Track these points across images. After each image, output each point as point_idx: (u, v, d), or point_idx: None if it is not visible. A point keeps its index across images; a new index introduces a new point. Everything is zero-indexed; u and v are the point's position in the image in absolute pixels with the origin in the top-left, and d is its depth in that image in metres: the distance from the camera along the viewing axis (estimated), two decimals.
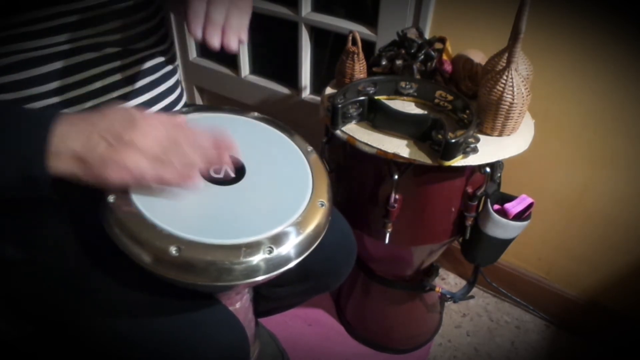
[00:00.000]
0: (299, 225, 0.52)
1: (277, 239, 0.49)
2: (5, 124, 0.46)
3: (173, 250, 0.45)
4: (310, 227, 0.52)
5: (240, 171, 0.57)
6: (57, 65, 0.58)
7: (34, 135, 0.45)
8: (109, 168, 0.45)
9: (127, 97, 0.65)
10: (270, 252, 0.48)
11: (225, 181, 0.55)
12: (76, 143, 0.45)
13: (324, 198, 0.56)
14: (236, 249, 0.47)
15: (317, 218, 0.53)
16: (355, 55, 0.85)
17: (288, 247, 0.49)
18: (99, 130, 0.46)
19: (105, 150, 0.45)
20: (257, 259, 0.47)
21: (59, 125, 0.45)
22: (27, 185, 0.45)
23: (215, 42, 0.52)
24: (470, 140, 0.72)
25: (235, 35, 0.53)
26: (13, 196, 0.48)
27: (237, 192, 0.54)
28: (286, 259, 0.49)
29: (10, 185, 0.46)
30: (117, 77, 0.64)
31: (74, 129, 0.46)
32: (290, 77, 1.35)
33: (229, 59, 1.40)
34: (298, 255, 0.50)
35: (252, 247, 0.48)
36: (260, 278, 0.48)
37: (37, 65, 0.57)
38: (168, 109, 0.72)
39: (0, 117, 0.47)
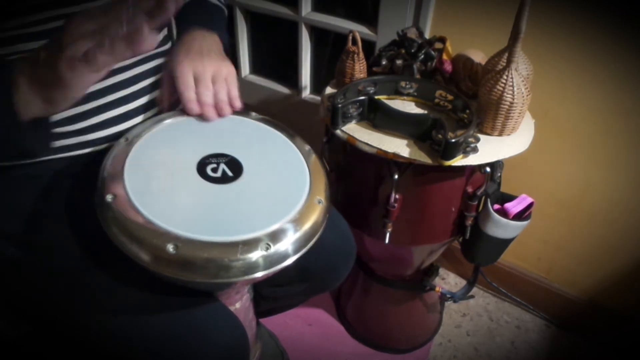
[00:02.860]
0: (297, 222, 0.52)
1: (275, 236, 0.49)
2: None
3: (170, 247, 0.46)
4: (308, 224, 0.52)
5: (237, 170, 0.57)
6: None
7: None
8: (57, 65, 0.45)
9: (127, 98, 0.65)
10: (268, 248, 0.48)
11: (223, 179, 0.55)
12: (25, 68, 0.48)
13: (321, 196, 0.56)
14: (233, 246, 0.47)
15: (315, 215, 0.54)
16: (355, 55, 0.85)
17: (286, 244, 0.50)
18: (38, 49, 0.48)
19: (46, 55, 0.46)
20: (254, 255, 0.47)
21: (17, 72, 0.48)
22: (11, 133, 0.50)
23: (211, 116, 0.65)
24: (470, 140, 0.72)
25: (226, 107, 0.66)
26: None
27: (234, 190, 0.54)
28: (284, 256, 0.49)
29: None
30: (117, 78, 0.64)
31: (23, 61, 0.48)
32: (290, 77, 1.36)
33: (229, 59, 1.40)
34: (296, 251, 0.50)
35: (250, 244, 0.48)
36: (258, 275, 0.48)
37: None
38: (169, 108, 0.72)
39: None
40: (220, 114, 0.65)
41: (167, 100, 0.68)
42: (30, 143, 0.54)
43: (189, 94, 0.63)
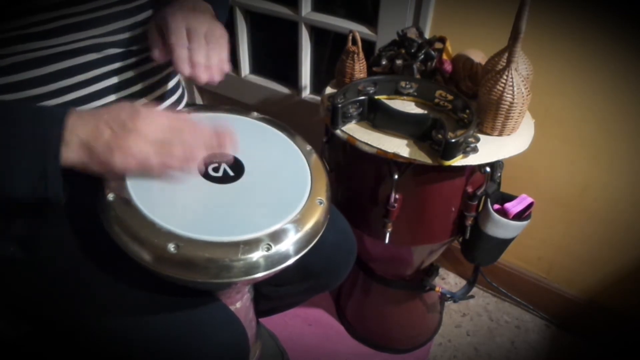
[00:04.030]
0: (298, 222, 0.52)
1: (276, 236, 0.49)
2: (19, 121, 0.48)
3: (171, 247, 0.46)
4: (309, 225, 0.52)
5: (239, 170, 0.57)
6: (59, 66, 0.58)
7: (48, 130, 0.47)
8: (115, 154, 0.47)
9: (128, 98, 0.65)
10: (269, 249, 0.48)
11: (224, 179, 0.55)
12: (83, 132, 0.47)
13: (322, 196, 0.56)
14: (234, 246, 0.47)
15: (316, 215, 0.54)
16: (355, 55, 0.85)
17: (287, 244, 0.50)
18: (105, 120, 0.48)
19: (110, 137, 0.47)
20: (255, 256, 0.47)
21: (69, 118, 0.47)
22: (39, 179, 0.47)
23: (202, 79, 0.59)
24: (470, 140, 0.72)
25: (217, 70, 0.60)
26: (24, 197, 0.48)
27: (235, 190, 0.54)
28: (285, 256, 0.49)
29: (23, 182, 0.47)
30: (118, 78, 0.64)
31: (82, 121, 0.48)
32: (290, 77, 1.36)
33: (229, 59, 1.40)
34: (297, 252, 0.50)
35: (251, 244, 0.48)
36: (259, 275, 0.48)
37: (39, 66, 0.57)
38: (170, 109, 0.72)
39: (14, 114, 0.48)
40: (210, 79, 0.60)
41: (162, 57, 0.61)
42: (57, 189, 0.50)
43: (181, 51, 0.58)
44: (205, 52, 0.59)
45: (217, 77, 0.60)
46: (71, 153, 0.47)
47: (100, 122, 0.48)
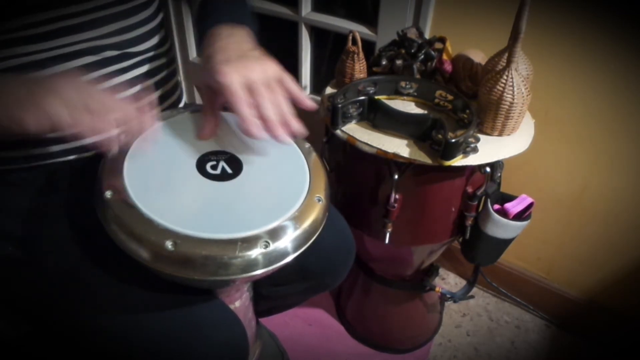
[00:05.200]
0: (296, 219, 0.52)
1: (274, 234, 0.49)
2: None
3: (169, 244, 0.46)
4: (307, 222, 0.52)
5: (237, 167, 0.57)
6: (56, 68, 0.58)
7: None
8: (27, 110, 0.46)
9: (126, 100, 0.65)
10: (267, 246, 0.48)
11: (222, 176, 0.55)
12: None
13: (321, 193, 0.56)
14: (232, 243, 0.47)
15: (314, 213, 0.53)
16: (355, 55, 0.85)
17: (285, 242, 0.50)
18: (23, 81, 0.48)
19: (25, 95, 0.46)
20: (253, 253, 0.47)
21: None
22: None
23: (281, 135, 0.52)
24: (470, 140, 0.72)
25: (293, 121, 0.53)
26: None
27: (234, 188, 0.54)
28: (283, 254, 0.49)
29: None
30: (116, 80, 0.64)
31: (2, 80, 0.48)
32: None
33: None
34: (295, 249, 0.50)
35: (249, 242, 0.48)
36: (257, 272, 0.48)
37: (36, 68, 0.57)
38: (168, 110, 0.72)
39: None
40: (298, 133, 0.54)
41: (213, 119, 0.57)
42: None
43: (244, 110, 0.51)
44: (270, 103, 0.52)
45: (296, 127, 0.54)
46: None
47: (19, 83, 0.47)
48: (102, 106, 0.48)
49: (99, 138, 0.49)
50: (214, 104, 0.58)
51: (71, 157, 0.63)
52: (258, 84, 0.52)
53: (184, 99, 0.82)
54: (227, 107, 0.54)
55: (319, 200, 0.55)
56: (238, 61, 0.54)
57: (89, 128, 0.47)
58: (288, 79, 0.56)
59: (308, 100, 0.56)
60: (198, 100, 1.58)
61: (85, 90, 0.49)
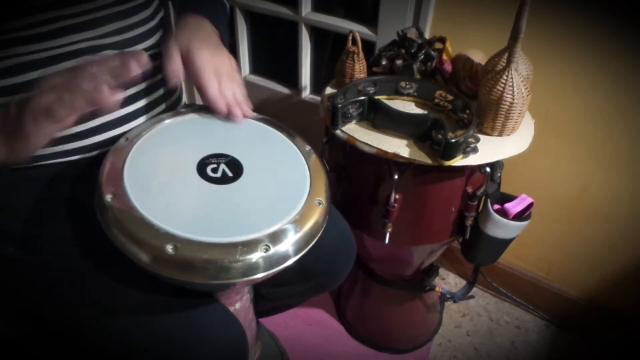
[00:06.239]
0: (297, 223, 0.52)
1: (275, 237, 0.49)
2: None
3: (169, 248, 0.45)
4: (308, 225, 0.52)
5: (238, 170, 0.57)
6: (56, 68, 0.58)
7: None
8: (22, 118, 0.49)
9: (126, 100, 0.65)
10: (268, 250, 0.48)
11: (223, 180, 0.55)
12: None
13: (321, 197, 0.56)
14: (233, 247, 0.47)
15: (315, 216, 0.53)
16: (355, 55, 0.85)
17: (286, 245, 0.49)
18: (8, 104, 0.51)
19: (13, 109, 0.50)
20: (254, 257, 0.47)
21: None
22: None
23: (239, 114, 0.64)
24: (470, 140, 0.72)
25: (244, 106, 0.65)
26: None
27: (234, 191, 0.54)
28: (284, 257, 0.49)
29: None
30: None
31: None
32: (290, 77, 1.35)
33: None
34: (296, 253, 0.50)
35: (249, 245, 0.48)
36: (258, 276, 0.48)
37: (36, 68, 0.57)
38: (168, 111, 0.72)
39: None
40: (245, 113, 0.65)
41: (178, 77, 0.63)
42: None
43: (215, 90, 0.62)
44: (232, 90, 0.64)
45: (248, 112, 0.66)
46: None
47: (6, 106, 0.51)
48: (83, 74, 0.50)
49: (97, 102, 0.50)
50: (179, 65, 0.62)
51: (72, 158, 0.63)
52: (224, 71, 0.64)
53: (184, 100, 0.82)
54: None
55: (320, 204, 0.55)
56: (212, 48, 0.64)
57: (84, 100, 0.49)
58: (240, 77, 0.68)
59: (246, 107, 0.66)
60: (198, 100, 1.58)
61: (65, 72, 0.51)
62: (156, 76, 0.69)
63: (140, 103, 0.67)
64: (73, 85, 0.49)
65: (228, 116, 0.64)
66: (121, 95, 0.52)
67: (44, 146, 0.60)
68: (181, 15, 0.69)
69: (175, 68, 0.61)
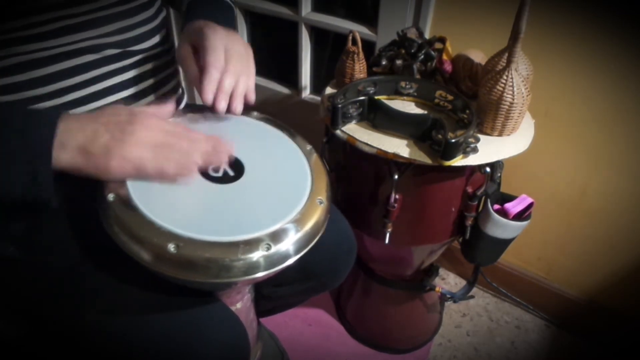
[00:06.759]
0: (298, 222, 0.52)
1: (276, 236, 0.49)
2: (11, 123, 0.47)
3: (171, 247, 0.45)
4: (309, 224, 0.52)
5: (239, 169, 0.57)
6: (57, 67, 0.58)
7: (40, 132, 0.46)
8: (112, 158, 0.47)
9: (127, 100, 0.65)
10: (269, 249, 0.48)
11: (224, 179, 0.55)
12: (80, 135, 0.47)
13: (322, 196, 0.56)
14: (234, 246, 0.47)
15: (316, 215, 0.53)
16: (355, 55, 0.85)
17: (287, 244, 0.49)
18: (103, 123, 0.48)
19: (108, 141, 0.47)
20: (255, 255, 0.47)
21: (64, 121, 0.47)
22: (31, 183, 0.46)
23: (222, 107, 0.58)
24: (470, 140, 0.72)
25: (241, 100, 0.60)
26: (16, 200, 0.47)
27: (235, 190, 0.54)
28: (285, 256, 0.49)
29: (14, 186, 0.46)
30: (117, 79, 0.64)
31: (78, 124, 0.47)
32: (290, 77, 1.36)
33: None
34: (297, 252, 0.50)
35: (251, 244, 0.48)
36: (259, 275, 0.48)
37: (38, 67, 0.57)
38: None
39: (5, 116, 0.47)
40: (231, 108, 0.59)
41: (204, 97, 0.59)
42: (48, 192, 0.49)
43: (214, 73, 0.56)
44: (235, 78, 0.58)
45: (239, 108, 0.60)
46: (66, 156, 0.46)
47: (99, 126, 0.47)
48: (185, 145, 0.50)
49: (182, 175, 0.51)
50: (195, 67, 0.59)
51: None
52: (234, 53, 0.58)
53: (185, 100, 0.82)
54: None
55: (321, 203, 0.55)
56: (226, 33, 0.60)
57: (173, 169, 0.49)
58: (253, 71, 0.63)
59: (241, 102, 0.61)
60: (199, 100, 1.58)
61: (167, 130, 0.50)
62: (157, 76, 0.69)
63: (142, 102, 0.67)
64: (168, 152, 0.49)
65: (211, 109, 0.58)
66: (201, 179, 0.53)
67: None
68: (188, 22, 0.65)
69: (192, 70, 0.59)
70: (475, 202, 0.83)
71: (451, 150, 0.70)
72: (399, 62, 0.87)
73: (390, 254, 1.01)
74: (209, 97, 0.57)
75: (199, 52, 0.58)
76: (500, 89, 0.73)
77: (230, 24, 0.69)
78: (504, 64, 0.74)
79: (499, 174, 0.83)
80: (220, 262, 0.46)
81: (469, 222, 0.86)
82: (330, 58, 1.33)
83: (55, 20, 0.57)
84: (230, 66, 0.58)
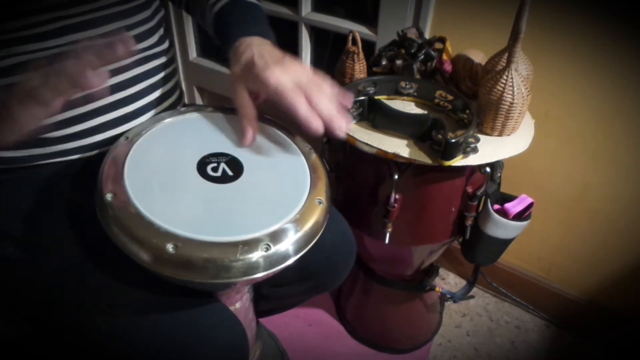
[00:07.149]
0: (297, 222, 0.52)
1: (275, 236, 0.49)
2: None
3: (170, 247, 0.45)
4: (308, 225, 0.52)
5: (238, 169, 0.57)
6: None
7: None
8: (10, 103, 0.48)
9: (126, 100, 0.65)
10: (268, 249, 0.48)
11: (223, 179, 0.55)
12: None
13: (322, 196, 0.56)
14: (233, 246, 0.47)
15: (315, 215, 0.53)
16: (355, 55, 0.85)
17: (286, 244, 0.49)
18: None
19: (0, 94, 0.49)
20: (255, 256, 0.47)
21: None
22: None
23: (343, 128, 0.55)
24: (470, 140, 0.72)
25: (345, 115, 0.55)
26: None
27: (235, 190, 0.54)
28: (284, 256, 0.49)
29: None
30: (117, 79, 0.64)
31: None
32: None
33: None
34: (296, 252, 0.50)
35: (250, 244, 0.48)
36: (258, 275, 0.48)
37: None
38: (168, 110, 0.72)
39: None
40: (348, 124, 0.55)
41: (255, 124, 0.59)
42: None
43: (303, 108, 0.53)
44: (325, 100, 0.54)
45: (346, 119, 0.55)
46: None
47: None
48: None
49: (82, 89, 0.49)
50: (253, 109, 0.59)
51: (72, 157, 0.63)
52: (305, 82, 0.54)
53: (184, 100, 0.82)
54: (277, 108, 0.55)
55: (320, 203, 0.55)
56: (279, 64, 0.55)
57: (59, 90, 0.48)
58: (326, 80, 0.57)
59: (345, 114, 0.56)
60: (198, 100, 1.58)
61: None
62: (156, 76, 0.69)
63: (141, 103, 0.67)
64: (58, 68, 0.48)
65: (327, 134, 0.54)
66: (108, 79, 0.49)
67: (44, 145, 0.60)
68: (225, 45, 0.63)
69: (249, 111, 0.57)
70: (475, 202, 0.83)
71: (451, 150, 0.70)
72: (399, 62, 0.86)
73: (390, 254, 1.01)
74: (319, 129, 0.53)
75: (268, 97, 0.56)
76: (500, 89, 0.73)
77: (267, 30, 0.65)
78: (504, 64, 0.74)
79: (499, 174, 0.83)
80: (220, 262, 0.46)
81: (469, 222, 0.86)
82: (330, 58, 1.33)
83: (55, 20, 0.57)
84: (315, 97, 0.54)
